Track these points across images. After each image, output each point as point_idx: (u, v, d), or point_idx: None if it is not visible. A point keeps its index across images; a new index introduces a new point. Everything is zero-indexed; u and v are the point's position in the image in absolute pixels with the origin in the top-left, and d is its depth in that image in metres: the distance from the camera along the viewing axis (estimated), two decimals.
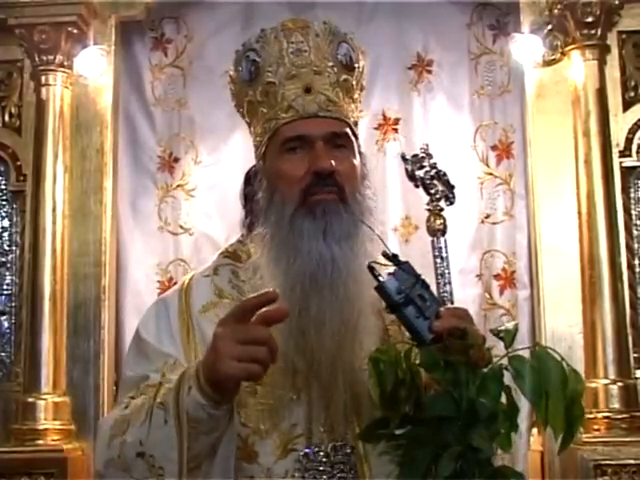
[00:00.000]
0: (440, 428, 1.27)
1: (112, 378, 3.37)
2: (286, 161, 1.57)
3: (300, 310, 1.49)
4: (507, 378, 1.30)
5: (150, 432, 1.38)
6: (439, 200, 1.58)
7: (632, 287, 3.30)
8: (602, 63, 3.32)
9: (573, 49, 3.32)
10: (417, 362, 1.33)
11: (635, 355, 3.24)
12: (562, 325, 3.22)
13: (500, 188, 3.58)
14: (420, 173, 1.57)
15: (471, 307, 3.43)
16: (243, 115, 1.71)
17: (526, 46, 3.36)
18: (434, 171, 1.59)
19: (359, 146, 1.63)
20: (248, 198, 1.69)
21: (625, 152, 3.35)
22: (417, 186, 1.58)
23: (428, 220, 1.55)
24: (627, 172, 3.36)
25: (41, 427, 3.23)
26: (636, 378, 3.19)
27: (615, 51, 3.39)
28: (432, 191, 1.58)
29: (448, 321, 1.36)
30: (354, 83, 1.65)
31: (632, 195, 3.38)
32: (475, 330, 1.37)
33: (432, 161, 1.59)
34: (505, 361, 1.29)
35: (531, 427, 3.30)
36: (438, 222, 1.55)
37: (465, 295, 3.39)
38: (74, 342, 3.35)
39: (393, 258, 1.39)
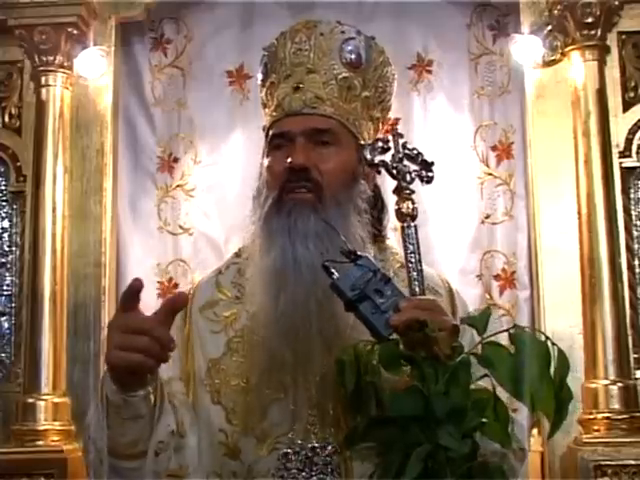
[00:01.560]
0: (408, 427, 1.23)
1: None
2: (271, 158, 1.60)
3: (274, 310, 1.50)
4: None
5: (93, 416, 1.43)
6: (411, 182, 1.52)
7: (632, 287, 3.30)
8: (602, 64, 3.31)
9: (573, 50, 3.31)
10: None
11: (635, 356, 3.23)
12: (562, 325, 3.22)
13: (500, 188, 3.58)
14: (383, 157, 1.52)
15: (471, 307, 3.42)
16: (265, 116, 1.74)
17: (526, 47, 3.36)
18: (405, 152, 1.54)
19: (360, 143, 1.61)
20: None
21: (625, 152, 3.35)
22: (379, 172, 1.53)
23: (396, 204, 1.49)
24: (627, 172, 3.36)
25: (41, 428, 3.23)
26: (636, 379, 3.19)
27: (615, 52, 3.39)
28: (400, 174, 1.52)
29: (407, 314, 1.31)
30: (360, 81, 1.64)
31: (632, 196, 3.37)
32: (443, 321, 1.33)
33: (401, 141, 1.53)
34: (478, 349, 1.24)
35: (531, 428, 3.30)
36: (406, 206, 1.49)
37: (465, 295, 3.37)
38: (74, 343, 3.35)
39: (349, 254, 1.36)
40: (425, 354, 1.25)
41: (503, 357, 1.22)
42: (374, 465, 1.34)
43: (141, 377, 1.34)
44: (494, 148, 3.60)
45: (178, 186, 3.66)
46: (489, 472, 1.25)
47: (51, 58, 3.42)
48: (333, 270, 1.34)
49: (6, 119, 3.58)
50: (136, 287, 1.29)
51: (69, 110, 3.46)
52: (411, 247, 1.45)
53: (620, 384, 3.11)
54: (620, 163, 3.33)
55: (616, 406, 3.09)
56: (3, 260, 3.55)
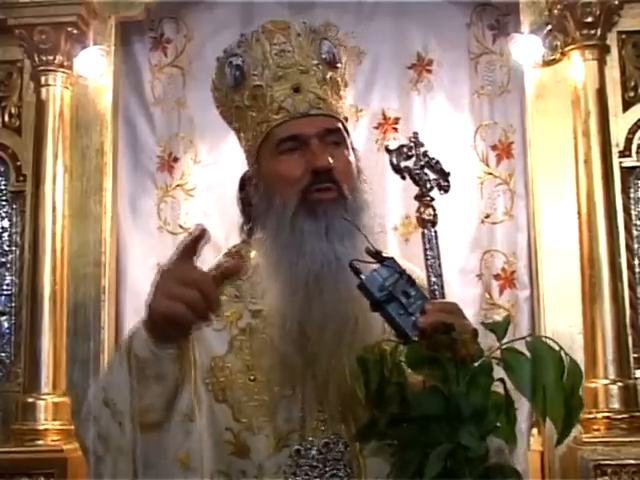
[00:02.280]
0: (429, 426, 1.24)
1: None
2: (282, 162, 1.56)
3: (302, 310, 1.49)
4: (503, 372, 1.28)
5: (111, 377, 1.40)
6: (431, 190, 1.55)
7: (632, 287, 3.30)
8: (602, 63, 3.31)
9: (573, 49, 3.31)
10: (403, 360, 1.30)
11: (635, 355, 3.24)
12: (562, 325, 3.22)
13: (500, 188, 3.58)
14: (408, 164, 1.54)
15: (471, 307, 3.43)
16: (230, 122, 1.71)
17: (526, 46, 3.36)
18: (425, 159, 1.56)
19: (351, 141, 1.62)
20: (245, 203, 1.71)
21: (625, 152, 3.35)
22: (403, 178, 1.55)
23: (418, 210, 1.52)
24: (627, 172, 3.36)
25: (41, 427, 3.23)
26: (636, 378, 3.19)
27: (615, 51, 3.39)
28: (422, 181, 1.55)
29: (433, 316, 1.33)
30: (339, 80, 1.65)
31: (632, 195, 3.38)
32: (465, 325, 1.35)
33: (423, 149, 1.55)
34: (498, 354, 1.26)
35: (531, 427, 3.30)
36: (428, 212, 1.51)
37: (465, 295, 3.39)
38: (74, 342, 3.35)
39: (376, 255, 1.37)
40: (449, 356, 1.26)
41: (521, 363, 1.24)
42: (387, 462, 1.34)
43: (175, 336, 1.31)
44: (494, 148, 3.60)
45: (178, 186, 3.66)
46: (504, 473, 1.27)
47: (51, 58, 3.42)
48: (360, 270, 1.35)
49: (6, 119, 3.58)
50: (200, 236, 1.26)
51: (69, 110, 3.46)
52: (431, 252, 1.49)
53: (620, 384, 3.11)
54: (620, 163, 3.33)
55: (616, 406, 3.09)
56: (3, 260, 3.55)
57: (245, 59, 1.63)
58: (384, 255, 1.37)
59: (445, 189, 1.57)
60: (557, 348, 1.26)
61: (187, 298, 1.23)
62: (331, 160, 1.52)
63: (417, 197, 1.54)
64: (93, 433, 1.39)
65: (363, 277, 1.35)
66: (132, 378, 1.34)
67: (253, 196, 1.64)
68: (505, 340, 1.28)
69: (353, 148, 1.62)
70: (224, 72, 1.66)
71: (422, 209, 1.53)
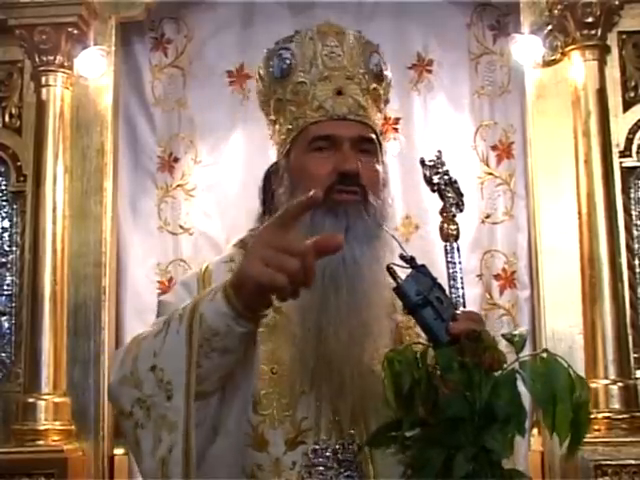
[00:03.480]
0: (454, 429, 1.28)
1: None
2: (312, 159, 1.59)
3: (318, 307, 1.50)
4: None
5: (164, 343, 1.34)
6: (452, 206, 1.62)
7: (632, 287, 3.30)
8: (602, 63, 3.31)
9: (573, 49, 3.31)
10: (432, 363, 1.34)
11: (635, 355, 3.24)
12: (562, 325, 3.22)
13: (500, 188, 3.58)
14: (436, 179, 1.62)
15: (471, 307, 3.42)
16: (268, 113, 1.72)
17: (526, 46, 3.36)
18: (447, 177, 1.64)
19: (383, 154, 1.66)
20: (266, 194, 1.70)
21: (625, 152, 3.35)
22: (434, 191, 1.62)
23: (441, 225, 1.60)
24: (627, 172, 3.36)
25: (41, 427, 3.23)
26: (636, 378, 3.19)
27: (615, 51, 3.39)
28: (445, 197, 1.63)
29: (464, 324, 1.38)
30: (382, 93, 1.69)
31: (632, 195, 3.37)
32: (489, 334, 1.39)
33: (445, 168, 1.64)
34: (516, 366, 1.31)
35: (531, 427, 3.30)
36: (452, 227, 1.60)
37: (465, 295, 3.39)
38: (74, 342, 3.35)
39: (410, 261, 1.42)
40: (476, 362, 1.31)
41: (537, 376, 1.30)
42: (399, 463, 1.35)
43: (260, 308, 1.27)
44: (494, 148, 3.60)
45: (178, 186, 3.66)
46: (519, 477, 1.32)
47: (51, 58, 3.42)
48: (398, 274, 1.40)
49: (6, 119, 3.58)
50: (313, 201, 1.16)
51: (69, 110, 3.46)
52: (453, 264, 1.55)
53: (620, 384, 3.11)
54: (620, 163, 3.33)
55: (616, 406, 3.09)
56: (3, 260, 3.55)
57: (295, 54, 1.66)
58: (417, 262, 1.42)
59: (461, 209, 1.65)
60: (566, 365, 1.31)
61: (290, 269, 1.15)
62: (360, 166, 1.55)
63: (441, 212, 1.62)
64: (132, 397, 1.35)
65: (400, 281, 1.39)
66: (191, 347, 1.29)
67: (277, 188, 1.64)
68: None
69: (383, 161, 1.65)
70: (271, 63, 1.69)
71: (446, 224, 1.62)
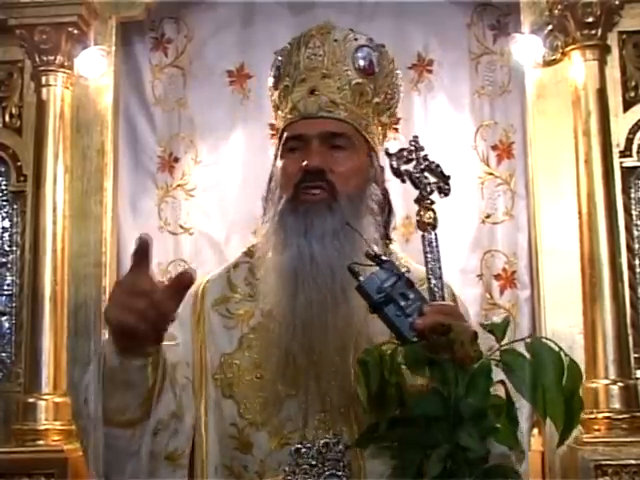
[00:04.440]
0: (428, 428, 1.26)
1: None
2: (286, 160, 1.63)
3: (289, 308, 1.52)
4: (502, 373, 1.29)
5: (90, 376, 1.44)
6: (431, 193, 1.58)
7: (632, 287, 3.30)
8: (602, 63, 3.31)
9: (573, 49, 3.31)
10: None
11: (636, 355, 3.23)
12: (562, 325, 3.22)
13: (500, 188, 3.58)
14: (408, 167, 1.57)
15: (472, 307, 3.42)
16: (276, 118, 1.77)
17: (526, 46, 3.36)
18: (425, 163, 1.59)
19: (372, 147, 1.66)
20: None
21: (625, 152, 3.35)
22: (404, 181, 1.58)
23: (418, 214, 1.55)
24: (627, 172, 3.35)
25: (42, 427, 3.23)
26: (637, 378, 3.19)
27: (615, 51, 3.38)
28: (421, 185, 1.58)
29: (431, 318, 1.34)
30: (371, 87, 1.68)
31: (632, 195, 3.37)
32: (463, 326, 1.36)
33: (423, 153, 1.58)
34: (497, 356, 1.28)
35: (532, 427, 3.30)
36: (427, 215, 1.54)
37: (466, 295, 3.38)
38: (74, 342, 3.35)
39: (374, 257, 1.39)
40: (448, 357, 1.28)
41: (521, 364, 1.26)
42: (387, 463, 1.35)
43: (140, 345, 1.33)
44: (494, 148, 3.60)
45: (178, 186, 3.66)
46: (505, 474, 1.28)
47: (51, 58, 3.42)
48: (360, 272, 1.38)
49: (6, 119, 3.57)
50: (144, 245, 1.24)
51: (69, 110, 3.46)
52: (432, 255, 1.53)
53: (621, 384, 3.11)
54: (620, 163, 3.33)
55: (617, 406, 3.09)
56: (3, 260, 3.55)
57: (284, 61, 1.71)
58: (383, 258, 1.39)
59: (446, 192, 1.60)
60: (556, 349, 1.27)
61: (136, 307, 1.23)
62: (327, 162, 1.57)
63: (417, 200, 1.58)
64: (80, 427, 1.49)
65: (361, 279, 1.37)
66: (104, 381, 1.37)
67: (267, 192, 1.69)
68: (505, 341, 1.29)
69: (369, 155, 1.66)
70: (271, 71, 1.76)
71: (422, 212, 1.57)
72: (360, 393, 1.31)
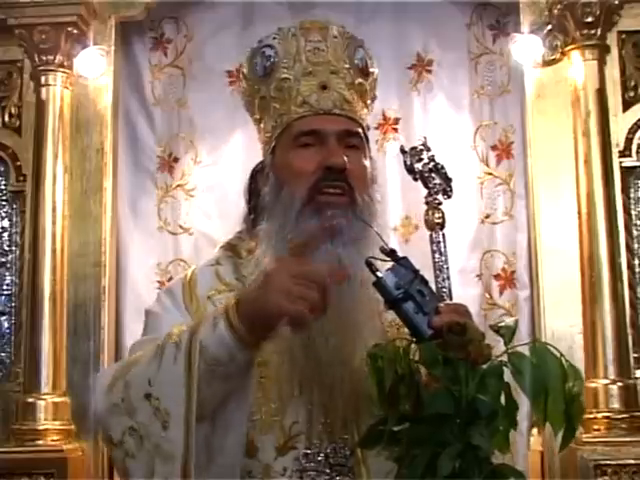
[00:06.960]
0: (439, 426, 1.25)
1: None
2: (298, 155, 1.56)
3: None
4: (507, 375, 1.29)
5: (159, 371, 1.34)
6: (437, 193, 1.57)
7: (632, 287, 3.30)
8: (602, 63, 3.31)
9: (573, 49, 3.31)
10: (416, 359, 1.31)
11: (635, 355, 3.24)
12: (562, 325, 3.22)
13: (500, 188, 3.58)
14: (419, 166, 1.56)
15: (471, 307, 3.38)
16: (253, 112, 1.69)
17: (526, 46, 3.36)
18: (432, 164, 1.58)
19: (369, 150, 1.63)
20: (253, 194, 1.67)
21: (625, 152, 3.35)
22: (416, 179, 1.57)
23: (426, 214, 1.55)
24: (627, 172, 3.36)
25: (41, 427, 3.23)
26: (636, 378, 3.19)
27: (615, 51, 3.39)
28: (430, 184, 1.57)
29: (447, 316, 1.34)
30: (368, 89, 1.67)
31: (632, 195, 3.38)
32: (476, 326, 1.35)
33: (430, 154, 1.58)
34: (505, 358, 1.28)
35: (531, 427, 3.30)
36: (436, 216, 1.54)
37: (465, 295, 3.38)
38: (74, 342, 3.35)
39: (391, 254, 1.38)
40: (461, 356, 1.28)
41: (528, 367, 1.26)
42: (393, 462, 1.33)
43: (267, 337, 1.30)
44: (494, 148, 3.61)
45: (178, 186, 3.66)
46: (510, 474, 1.28)
47: (51, 57, 3.42)
48: (377, 268, 1.36)
49: (6, 118, 3.57)
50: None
51: (69, 110, 3.46)
52: (439, 254, 1.51)
53: (620, 383, 3.11)
54: (620, 163, 3.33)
55: (616, 405, 3.09)
56: (3, 260, 3.55)
57: (278, 51, 1.63)
58: (399, 255, 1.38)
59: (449, 194, 1.59)
60: (558, 355, 1.28)
61: (312, 299, 1.22)
62: (346, 160, 1.52)
63: (426, 200, 1.57)
64: (123, 426, 1.35)
65: (380, 275, 1.35)
66: (191, 377, 1.30)
67: (262, 186, 1.61)
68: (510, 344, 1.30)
69: (370, 157, 1.63)
70: (254, 62, 1.66)
71: (430, 212, 1.56)
72: (371, 389, 1.31)
